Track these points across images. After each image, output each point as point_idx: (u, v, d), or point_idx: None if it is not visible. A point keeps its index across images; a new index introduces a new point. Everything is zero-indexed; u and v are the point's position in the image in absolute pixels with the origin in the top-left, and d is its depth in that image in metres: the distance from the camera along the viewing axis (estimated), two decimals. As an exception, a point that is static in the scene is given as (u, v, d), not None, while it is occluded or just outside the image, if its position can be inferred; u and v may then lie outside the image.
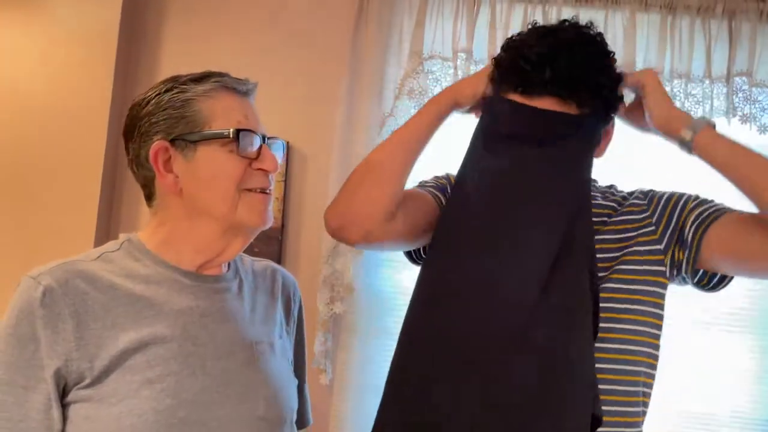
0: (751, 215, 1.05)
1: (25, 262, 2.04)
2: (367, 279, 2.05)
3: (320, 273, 2.02)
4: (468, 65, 2.03)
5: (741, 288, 1.98)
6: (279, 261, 2.08)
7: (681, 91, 1.99)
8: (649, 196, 1.17)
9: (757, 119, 1.98)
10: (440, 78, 2.06)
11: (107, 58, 2.11)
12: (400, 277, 2.05)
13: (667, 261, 1.11)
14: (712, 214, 1.09)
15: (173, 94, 0.96)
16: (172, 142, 0.96)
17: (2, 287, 2.04)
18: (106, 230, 2.15)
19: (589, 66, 1.05)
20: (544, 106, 1.04)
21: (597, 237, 1.12)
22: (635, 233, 1.13)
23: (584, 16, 1.93)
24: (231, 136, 0.95)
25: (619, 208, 1.17)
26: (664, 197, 1.15)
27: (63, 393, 0.88)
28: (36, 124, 2.09)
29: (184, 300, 0.96)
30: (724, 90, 1.99)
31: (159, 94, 0.97)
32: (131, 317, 0.92)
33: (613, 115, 1.12)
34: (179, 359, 0.92)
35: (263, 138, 0.99)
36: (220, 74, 1.00)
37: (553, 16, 2.00)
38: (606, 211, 1.17)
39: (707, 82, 1.99)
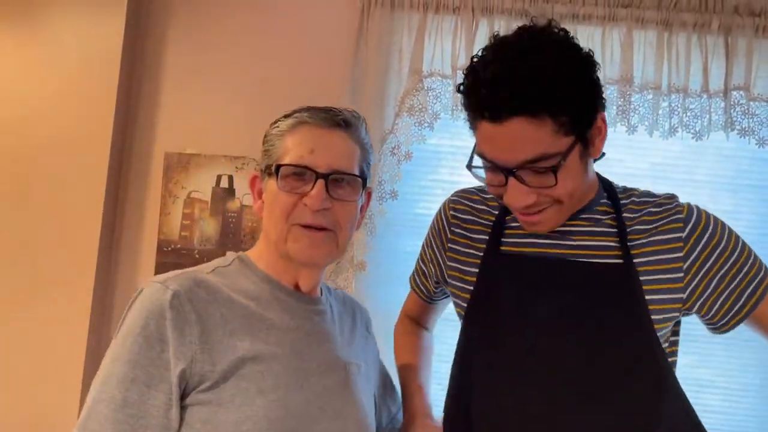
0: None
1: (29, 272, 2.05)
2: (370, 295, 2.05)
3: (323, 290, 2.03)
4: (467, 82, 2.05)
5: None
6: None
7: (679, 105, 2.01)
8: (689, 228, 1.04)
9: (755, 132, 2.00)
10: (440, 95, 2.08)
11: (110, 77, 2.13)
12: (403, 292, 2.04)
13: (683, 308, 1.04)
14: (753, 295, 1.03)
15: (271, 129, 1.05)
16: (261, 171, 1.05)
17: (6, 294, 2.06)
18: (108, 243, 2.16)
19: (552, 73, 0.91)
20: (516, 129, 0.92)
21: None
22: (658, 276, 1.03)
23: (581, 32, 1.96)
24: (273, 171, 1.00)
25: (650, 226, 1.06)
26: (704, 241, 1.04)
27: (182, 395, 0.91)
28: (40, 143, 2.11)
29: (291, 319, 1.02)
30: (722, 104, 2.01)
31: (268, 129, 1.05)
32: (246, 330, 0.96)
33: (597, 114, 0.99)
34: (288, 373, 0.96)
35: (324, 175, 0.97)
36: (306, 109, 1.04)
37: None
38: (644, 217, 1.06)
39: (705, 96, 2.00)
